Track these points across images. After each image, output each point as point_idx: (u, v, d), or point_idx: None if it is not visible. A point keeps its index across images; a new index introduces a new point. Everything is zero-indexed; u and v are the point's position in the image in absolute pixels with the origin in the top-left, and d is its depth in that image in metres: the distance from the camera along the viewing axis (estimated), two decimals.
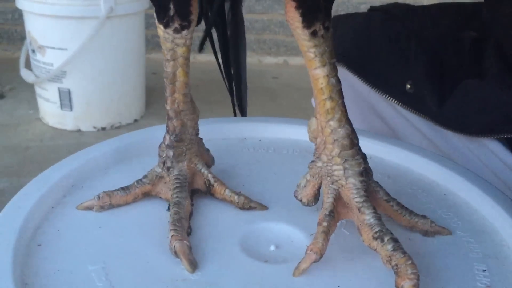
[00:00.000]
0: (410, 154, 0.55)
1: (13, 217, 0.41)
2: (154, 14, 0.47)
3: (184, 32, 0.46)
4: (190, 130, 0.48)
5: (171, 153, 0.47)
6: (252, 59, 2.34)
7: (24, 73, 1.73)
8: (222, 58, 0.68)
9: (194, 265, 0.39)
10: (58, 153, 1.55)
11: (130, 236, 0.43)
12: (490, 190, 0.48)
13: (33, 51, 1.67)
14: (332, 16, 0.44)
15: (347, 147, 0.42)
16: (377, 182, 0.45)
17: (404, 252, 0.38)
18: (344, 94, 0.43)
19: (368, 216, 0.41)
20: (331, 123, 0.43)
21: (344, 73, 0.72)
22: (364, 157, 0.43)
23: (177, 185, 0.46)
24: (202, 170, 0.48)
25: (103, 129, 1.72)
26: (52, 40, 1.61)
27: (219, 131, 0.60)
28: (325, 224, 0.41)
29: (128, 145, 0.55)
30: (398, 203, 0.44)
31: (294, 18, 0.41)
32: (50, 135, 1.69)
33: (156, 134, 0.55)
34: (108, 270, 0.39)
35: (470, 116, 0.63)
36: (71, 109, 1.69)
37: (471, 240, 0.44)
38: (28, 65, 1.74)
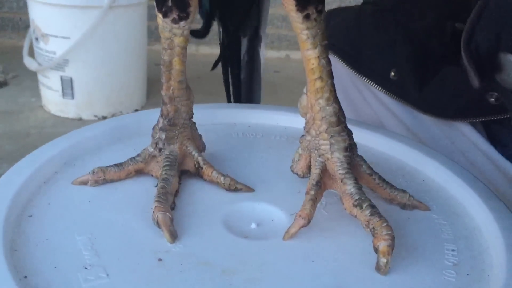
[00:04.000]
0: (393, 142, 0.57)
1: (5, 189, 0.43)
2: (154, 2, 0.48)
3: (182, 23, 0.47)
4: (183, 115, 0.50)
5: (163, 136, 0.49)
6: None
7: (27, 61, 1.76)
8: (234, 98, 0.70)
9: (174, 236, 0.41)
10: None
11: (118, 210, 0.45)
12: (467, 176, 0.50)
13: (37, 39, 1.69)
14: (326, 10, 0.46)
15: (334, 124, 0.45)
16: (362, 157, 0.47)
17: (381, 216, 0.41)
18: (335, 82, 0.46)
19: (349, 186, 0.44)
20: (320, 101, 0.45)
21: (335, 61, 0.74)
22: (349, 133, 0.46)
23: (167, 163, 0.48)
24: (193, 153, 0.50)
25: (104, 117, 1.74)
26: (55, 28, 1.64)
27: (211, 116, 0.62)
28: (312, 192, 0.44)
29: (120, 127, 0.57)
30: (380, 177, 0.47)
31: (289, 1, 0.44)
32: (51, 122, 1.72)
33: (150, 117, 0.57)
34: (94, 240, 0.41)
35: (446, 100, 0.65)
36: (72, 98, 1.71)
37: (444, 222, 0.45)
38: (31, 54, 1.76)
